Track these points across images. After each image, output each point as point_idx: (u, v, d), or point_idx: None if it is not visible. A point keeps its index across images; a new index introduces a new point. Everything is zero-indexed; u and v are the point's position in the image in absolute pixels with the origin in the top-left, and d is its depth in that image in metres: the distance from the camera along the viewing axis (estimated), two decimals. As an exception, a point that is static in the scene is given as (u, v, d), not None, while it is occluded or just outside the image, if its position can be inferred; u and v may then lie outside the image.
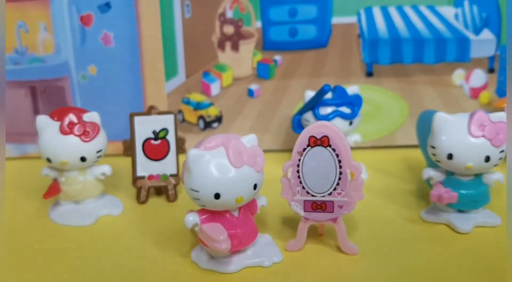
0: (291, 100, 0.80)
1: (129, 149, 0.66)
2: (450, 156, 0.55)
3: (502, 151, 0.54)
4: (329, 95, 0.68)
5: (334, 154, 0.50)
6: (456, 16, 0.78)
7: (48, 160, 0.59)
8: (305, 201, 0.51)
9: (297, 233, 0.53)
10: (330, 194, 0.51)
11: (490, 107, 0.79)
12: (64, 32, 0.77)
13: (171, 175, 0.66)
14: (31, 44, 0.78)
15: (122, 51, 0.77)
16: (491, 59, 0.78)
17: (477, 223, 0.57)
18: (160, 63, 0.78)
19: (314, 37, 0.79)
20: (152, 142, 0.66)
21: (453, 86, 0.80)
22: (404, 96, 0.80)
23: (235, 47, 0.79)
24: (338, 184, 0.50)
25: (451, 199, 0.55)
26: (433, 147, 0.56)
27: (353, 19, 0.78)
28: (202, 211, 0.50)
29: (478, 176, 0.57)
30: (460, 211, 0.58)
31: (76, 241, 0.57)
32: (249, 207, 0.52)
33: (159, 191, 0.67)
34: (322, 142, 0.50)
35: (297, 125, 0.71)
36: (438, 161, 0.56)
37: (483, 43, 0.78)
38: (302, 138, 0.50)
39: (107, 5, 0.76)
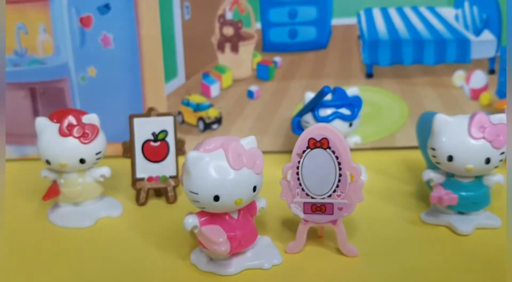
0: (291, 101, 0.80)
1: (128, 151, 0.66)
2: (450, 158, 0.55)
3: (502, 153, 0.54)
4: (329, 96, 0.68)
5: (333, 156, 0.49)
6: (456, 17, 0.78)
7: (47, 162, 0.59)
8: (304, 203, 0.51)
9: (296, 235, 0.53)
10: (329, 196, 0.51)
11: (491, 109, 0.78)
12: (63, 34, 0.77)
13: (171, 177, 0.66)
14: (31, 46, 0.78)
15: (121, 52, 0.77)
16: (492, 60, 0.78)
17: (478, 225, 0.57)
18: (159, 64, 0.78)
19: (314, 38, 0.79)
20: (152, 143, 0.66)
21: (453, 88, 0.80)
22: (404, 97, 0.80)
23: (235, 49, 0.79)
24: (337, 186, 0.50)
25: (451, 201, 0.55)
26: (433, 149, 0.56)
27: (353, 20, 0.78)
28: (202, 213, 0.50)
29: (479, 177, 0.57)
30: (461, 213, 0.58)
31: (75, 243, 0.57)
32: (249, 209, 0.52)
33: (159, 193, 0.67)
34: (322, 144, 0.49)
35: (297, 127, 0.71)
36: (438, 163, 0.56)
37: (484, 44, 0.78)
38: (302, 140, 0.50)
39: (107, 7, 0.76)
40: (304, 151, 0.50)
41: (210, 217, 0.49)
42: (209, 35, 0.78)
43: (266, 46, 0.79)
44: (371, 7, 0.78)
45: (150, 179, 0.66)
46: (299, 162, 0.50)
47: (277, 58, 0.79)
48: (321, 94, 0.66)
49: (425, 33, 0.78)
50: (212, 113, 0.80)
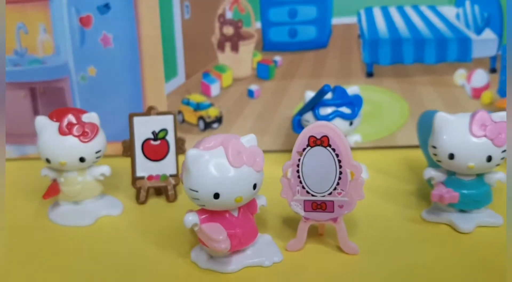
0: (291, 101, 0.80)
1: (128, 150, 0.66)
2: (451, 156, 0.54)
3: (504, 151, 0.54)
4: (329, 95, 0.68)
5: (334, 154, 0.49)
6: (458, 16, 0.78)
7: (47, 161, 0.59)
8: (305, 201, 0.51)
9: (297, 232, 0.53)
10: (330, 193, 0.50)
11: (492, 108, 0.78)
12: (63, 34, 0.77)
13: (171, 175, 0.66)
14: (31, 46, 0.78)
15: (121, 52, 0.77)
16: (493, 59, 0.78)
17: (479, 223, 0.57)
18: (159, 64, 0.78)
19: (314, 37, 0.79)
20: (152, 142, 0.66)
21: (454, 87, 0.80)
22: (405, 96, 0.80)
23: (235, 48, 0.79)
24: (338, 183, 0.50)
25: (452, 199, 0.55)
26: (434, 147, 0.56)
27: (353, 19, 0.78)
28: (202, 211, 0.50)
29: (480, 175, 0.57)
30: (462, 211, 0.57)
31: (76, 241, 0.57)
32: (249, 206, 0.52)
33: (159, 191, 0.67)
34: (322, 141, 0.49)
35: (297, 125, 0.71)
36: (439, 161, 0.56)
37: (485, 43, 0.78)
38: (302, 138, 0.50)
39: (107, 6, 0.76)
40: (304, 149, 0.50)
41: (210, 214, 0.49)
42: (209, 35, 0.78)
43: (266, 45, 0.79)
44: (372, 6, 0.78)
45: (150, 177, 0.66)
46: (299, 159, 0.50)
47: (277, 58, 0.79)
48: (321, 93, 0.66)
49: (426, 32, 0.78)
50: (212, 112, 0.80)
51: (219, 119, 0.80)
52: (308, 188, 0.51)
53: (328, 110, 0.67)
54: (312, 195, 0.51)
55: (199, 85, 0.80)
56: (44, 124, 0.59)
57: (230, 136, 0.49)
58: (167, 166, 0.66)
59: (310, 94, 0.69)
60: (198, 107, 0.80)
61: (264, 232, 0.56)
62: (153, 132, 0.65)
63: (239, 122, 0.80)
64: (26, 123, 0.79)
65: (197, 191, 0.47)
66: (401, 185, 0.68)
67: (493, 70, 0.78)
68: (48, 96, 0.79)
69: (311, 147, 0.50)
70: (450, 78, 0.79)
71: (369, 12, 0.78)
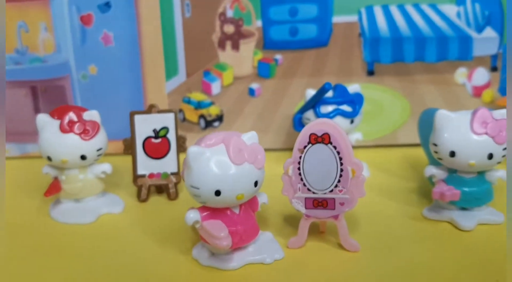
0: (292, 99, 0.80)
1: (129, 148, 0.66)
2: (452, 154, 0.54)
3: (505, 148, 0.54)
4: (330, 93, 0.68)
5: (335, 151, 0.49)
6: (458, 14, 0.78)
7: (49, 158, 0.59)
8: (306, 198, 0.51)
9: (298, 230, 0.53)
10: (331, 191, 0.50)
11: (493, 106, 0.78)
12: (64, 32, 0.77)
13: (172, 173, 0.66)
14: (32, 44, 0.78)
15: (122, 50, 0.77)
16: (494, 57, 0.78)
17: (480, 221, 0.56)
18: (160, 62, 0.78)
19: (314, 36, 0.79)
20: (153, 140, 0.66)
21: (455, 85, 0.80)
22: (406, 95, 0.80)
23: (236, 47, 0.79)
24: (339, 181, 0.50)
25: (453, 196, 0.55)
26: (435, 145, 0.56)
27: (354, 18, 0.78)
28: (203, 208, 0.50)
29: (481, 173, 0.57)
30: (463, 209, 0.57)
31: (77, 239, 0.57)
32: (250, 204, 0.52)
33: (160, 189, 0.67)
34: (323, 139, 0.49)
35: (298, 124, 0.71)
36: (441, 159, 0.56)
37: (486, 41, 0.78)
38: (303, 136, 0.50)
39: (107, 5, 0.76)
40: (305, 146, 0.50)
41: (212, 212, 0.49)
42: (209, 33, 0.78)
43: (267, 44, 0.79)
44: (372, 5, 0.78)
45: (151, 175, 0.66)
46: (300, 157, 0.50)
47: (278, 56, 0.79)
48: (322, 91, 0.66)
49: (426, 31, 0.78)
50: (213, 111, 0.80)
51: (220, 118, 0.80)
52: (309, 185, 0.51)
53: (329, 108, 0.67)
54: (313, 193, 0.51)
55: (200, 84, 0.80)
56: (45, 122, 0.59)
57: (231, 133, 0.49)
58: (168, 164, 0.66)
59: (311, 93, 0.69)
60: (199, 105, 0.80)
61: (266, 229, 0.56)
62: (154, 131, 0.65)
63: (240, 121, 0.81)
64: (27, 122, 0.79)
65: (198, 188, 0.47)
66: (402, 182, 0.68)
67: (494, 69, 0.78)
68: (49, 94, 0.79)
69: (312, 144, 0.50)
70: (451, 77, 0.79)
71: (370, 10, 0.78)
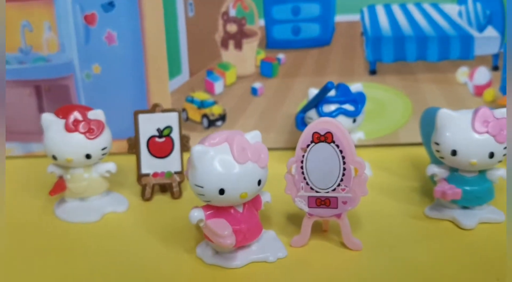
0: (294, 98, 0.80)
1: (133, 147, 0.66)
2: (454, 152, 0.55)
3: (506, 147, 0.54)
4: (332, 93, 0.69)
5: (337, 150, 0.50)
6: (460, 14, 0.78)
7: (54, 157, 0.60)
8: (309, 197, 0.52)
9: (301, 229, 0.53)
10: (334, 190, 0.51)
11: (495, 105, 0.79)
12: (68, 31, 0.77)
13: (176, 172, 0.66)
14: (36, 44, 0.78)
15: (125, 50, 0.78)
16: (495, 56, 0.78)
17: (481, 219, 0.57)
18: (163, 61, 0.78)
19: (317, 35, 0.79)
20: (157, 139, 0.66)
21: (457, 84, 0.80)
22: (408, 94, 0.80)
23: (239, 46, 0.79)
24: (342, 180, 0.50)
25: (455, 195, 0.55)
26: (437, 144, 0.56)
27: (356, 17, 0.78)
28: (207, 207, 0.50)
29: (482, 172, 0.57)
30: (464, 207, 0.58)
31: (82, 237, 0.57)
32: (254, 203, 0.52)
33: (164, 188, 0.68)
34: (326, 138, 0.50)
35: (301, 123, 0.71)
36: (442, 158, 0.56)
37: (487, 40, 0.78)
38: (306, 135, 0.50)
39: (111, 4, 0.76)
40: (308, 145, 0.50)
41: (216, 210, 0.50)
42: (212, 32, 0.79)
43: (270, 43, 0.79)
44: (374, 4, 0.78)
45: (155, 174, 0.66)
46: (303, 156, 0.50)
47: (281, 55, 0.80)
48: (324, 90, 0.67)
49: (428, 30, 0.78)
50: (216, 110, 0.80)
51: (222, 117, 0.81)
52: (312, 184, 0.51)
53: (332, 107, 0.68)
54: (316, 191, 0.51)
55: (203, 83, 0.80)
56: (50, 122, 0.60)
57: (235, 132, 0.49)
58: (172, 163, 0.66)
59: (313, 92, 0.70)
60: (202, 105, 0.80)
61: (269, 228, 0.56)
62: (158, 130, 0.66)
63: (243, 120, 0.81)
64: (31, 121, 0.80)
65: (202, 187, 0.47)
66: (404, 181, 0.69)
67: (495, 68, 0.79)
68: (53, 94, 0.80)
69: (315, 143, 0.50)
70: (453, 76, 0.80)
71: (372, 9, 0.78)
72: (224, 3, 0.77)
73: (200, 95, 0.80)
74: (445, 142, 0.55)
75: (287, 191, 0.52)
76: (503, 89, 0.79)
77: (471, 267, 0.50)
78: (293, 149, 0.52)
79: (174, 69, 0.79)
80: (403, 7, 0.78)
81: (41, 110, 0.80)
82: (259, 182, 0.49)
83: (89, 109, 0.61)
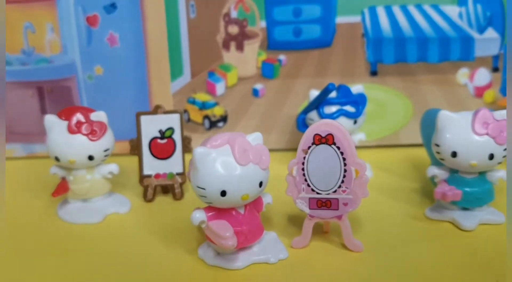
0: (295, 99, 0.80)
1: (135, 148, 0.66)
2: (454, 154, 0.55)
3: (505, 149, 0.55)
4: (333, 94, 0.69)
5: (338, 152, 0.50)
6: (460, 15, 0.78)
7: (56, 159, 0.60)
8: (310, 199, 0.52)
9: (302, 230, 0.53)
10: (335, 191, 0.51)
11: (495, 106, 0.79)
12: (70, 33, 0.78)
13: (178, 174, 0.67)
14: (38, 45, 0.78)
15: (128, 51, 0.78)
16: (496, 58, 0.79)
17: (481, 221, 0.57)
18: (165, 63, 0.79)
19: (318, 36, 0.79)
20: (159, 141, 0.66)
21: (457, 85, 0.80)
22: (409, 95, 0.81)
23: (240, 47, 0.80)
24: (342, 181, 0.51)
25: (455, 196, 0.56)
26: (437, 145, 0.56)
27: (357, 18, 0.79)
28: (209, 208, 0.50)
29: (482, 173, 0.57)
30: (464, 209, 0.58)
31: (84, 238, 0.58)
32: (255, 204, 0.52)
33: (166, 190, 0.68)
34: (327, 139, 0.50)
35: (302, 124, 0.71)
36: (442, 159, 0.57)
37: (487, 42, 0.78)
38: (307, 137, 0.50)
39: (113, 6, 0.77)
40: (309, 147, 0.50)
41: (217, 212, 0.50)
42: (214, 34, 0.79)
43: (271, 44, 0.80)
44: (375, 5, 0.78)
45: (157, 175, 0.66)
46: (304, 157, 0.51)
47: (282, 57, 0.80)
48: (326, 91, 0.67)
49: (429, 31, 0.78)
50: (217, 111, 0.81)
51: (224, 118, 0.81)
52: (313, 185, 0.51)
53: (333, 109, 0.68)
54: (317, 193, 0.51)
55: (204, 84, 0.81)
56: (53, 123, 0.60)
57: (236, 134, 0.49)
58: (173, 164, 0.67)
59: (314, 93, 0.70)
60: (203, 106, 0.80)
61: (270, 229, 0.57)
62: (160, 131, 0.66)
63: (244, 121, 0.81)
64: (33, 122, 0.80)
65: (204, 189, 0.48)
66: (404, 182, 0.69)
67: (495, 69, 0.79)
68: (56, 95, 0.80)
69: (316, 145, 0.50)
70: (453, 77, 0.80)
71: (373, 11, 0.78)
72: (226, 5, 0.78)
73: (201, 97, 0.81)
74: (445, 143, 0.55)
75: (288, 192, 0.52)
76: (503, 91, 0.80)
77: (471, 268, 0.50)
78: (294, 150, 0.52)
79: (175, 71, 0.79)
80: (404, 8, 0.78)
81: (43, 111, 0.80)
82: (261, 184, 0.49)
83: (92, 111, 0.61)
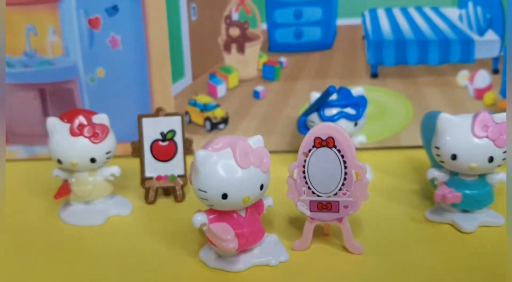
0: (296, 101, 0.81)
1: (137, 150, 0.67)
2: (454, 157, 0.55)
3: (505, 151, 0.55)
4: (334, 96, 0.69)
5: (339, 155, 0.50)
6: (460, 17, 0.79)
7: (59, 161, 0.60)
8: (310, 201, 0.52)
9: (303, 232, 0.54)
10: (335, 194, 0.51)
11: (495, 108, 0.79)
12: (72, 35, 0.78)
13: (179, 176, 0.67)
14: (40, 47, 0.79)
15: (129, 53, 0.78)
16: (496, 60, 0.79)
17: (481, 223, 0.57)
18: (167, 65, 0.79)
19: (319, 39, 0.79)
20: (160, 143, 0.67)
21: (457, 87, 0.80)
22: (409, 97, 0.81)
23: (241, 49, 0.80)
24: (343, 184, 0.51)
25: (455, 199, 0.56)
26: (437, 148, 0.57)
27: (357, 20, 0.79)
28: (210, 211, 0.50)
29: (482, 176, 0.57)
30: (464, 211, 0.58)
31: (86, 240, 0.58)
32: (256, 207, 0.52)
33: (167, 192, 0.68)
34: (327, 142, 0.50)
35: (303, 126, 0.72)
36: (442, 162, 0.57)
37: (487, 44, 0.78)
38: (308, 140, 0.51)
39: (115, 8, 0.77)
40: (310, 150, 0.51)
41: (218, 214, 0.50)
42: (215, 36, 0.79)
43: (272, 46, 0.80)
44: (376, 8, 0.78)
45: (158, 178, 0.67)
46: (305, 160, 0.51)
47: (283, 59, 0.80)
48: (326, 94, 0.67)
49: (429, 33, 0.78)
50: (218, 113, 0.81)
51: (225, 120, 0.81)
52: (314, 188, 0.52)
53: (333, 111, 0.68)
54: (318, 196, 0.52)
55: (205, 86, 0.81)
56: (56, 126, 0.60)
57: (238, 137, 0.50)
58: (175, 167, 0.67)
59: (315, 96, 0.70)
60: (204, 108, 0.81)
61: (271, 231, 0.57)
62: (161, 133, 0.66)
63: (245, 123, 0.81)
64: (35, 124, 0.81)
65: (205, 191, 0.48)
66: (405, 184, 0.69)
67: (495, 71, 0.79)
68: (58, 97, 0.80)
69: (317, 148, 0.50)
70: (453, 79, 0.80)
71: (373, 13, 0.79)
72: (227, 7, 0.78)
73: (202, 99, 0.81)
74: (445, 146, 0.56)
75: (289, 195, 0.52)
76: (503, 93, 0.80)
77: (471, 270, 0.50)
78: (295, 151, 0.52)
79: (177, 73, 0.80)
80: (404, 11, 0.78)
81: (45, 113, 0.80)
82: (261, 187, 0.49)
83: (94, 113, 0.61)
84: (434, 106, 0.80)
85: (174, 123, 0.66)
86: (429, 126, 0.63)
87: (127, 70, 0.79)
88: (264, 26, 0.79)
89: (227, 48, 0.80)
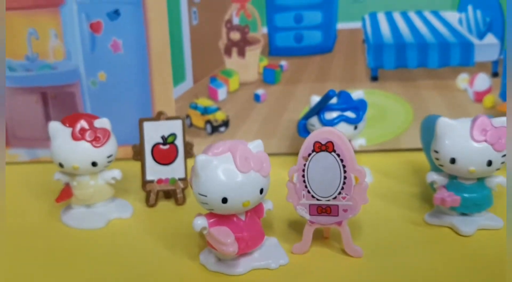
0: (296, 105, 0.81)
1: (138, 154, 0.67)
2: (453, 160, 0.55)
3: (504, 155, 0.55)
4: (334, 100, 0.69)
5: (338, 159, 0.50)
6: (460, 21, 0.79)
7: (60, 165, 0.61)
8: (310, 205, 0.52)
9: (302, 236, 0.54)
10: (335, 198, 0.51)
11: (494, 111, 0.79)
12: (74, 39, 0.78)
13: (180, 179, 0.67)
14: (42, 51, 0.79)
15: (131, 57, 0.78)
16: (495, 63, 0.79)
17: (480, 226, 0.57)
18: (168, 69, 0.79)
19: (319, 42, 0.80)
20: (161, 146, 0.67)
21: (457, 91, 0.81)
22: (409, 100, 0.81)
23: (242, 53, 0.80)
24: (342, 188, 0.51)
25: (454, 202, 0.56)
26: (436, 151, 0.57)
27: (357, 24, 0.79)
28: (210, 214, 0.51)
29: (481, 179, 0.57)
30: (463, 214, 0.58)
31: (88, 243, 0.58)
32: (256, 211, 0.53)
33: (168, 195, 0.69)
34: (327, 147, 0.50)
35: (303, 129, 0.72)
36: (442, 165, 0.57)
37: (487, 47, 0.79)
38: (307, 144, 0.51)
39: (116, 13, 0.77)
40: (309, 154, 0.51)
41: (219, 218, 0.50)
42: (216, 40, 0.79)
43: (272, 50, 0.80)
44: (376, 11, 0.79)
45: (159, 181, 0.67)
46: (304, 164, 0.51)
47: (283, 62, 0.80)
48: (326, 97, 0.67)
49: (429, 37, 0.79)
50: (219, 116, 0.81)
51: (226, 123, 0.82)
52: (313, 192, 0.52)
53: (333, 114, 0.68)
54: (317, 199, 0.52)
55: (206, 90, 0.81)
56: (57, 130, 0.61)
57: (238, 142, 0.50)
58: (176, 170, 0.67)
59: (315, 99, 0.70)
60: (205, 111, 0.81)
61: (271, 235, 0.57)
62: (162, 137, 0.67)
63: (246, 126, 0.82)
64: (37, 128, 0.81)
65: (206, 196, 0.48)
66: (404, 187, 0.69)
67: (495, 74, 0.79)
68: (59, 101, 0.81)
69: (316, 152, 0.51)
70: (453, 82, 0.80)
71: (373, 17, 0.79)
72: (228, 11, 0.78)
73: (203, 102, 0.81)
74: (444, 150, 0.56)
75: (288, 199, 0.53)
76: (502, 96, 0.80)
77: (470, 274, 0.50)
78: (295, 154, 0.52)
79: (178, 76, 0.80)
80: (404, 14, 0.79)
81: (47, 117, 0.81)
82: (261, 191, 0.49)
83: (96, 117, 0.62)
84: (434, 109, 0.80)
85: (175, 127, 0.67)
86: (428, 130, 0.63)
87: (128, 74, 0.79)
88: (264, 30, 0.79)
89: (228, 52, 0.80)
